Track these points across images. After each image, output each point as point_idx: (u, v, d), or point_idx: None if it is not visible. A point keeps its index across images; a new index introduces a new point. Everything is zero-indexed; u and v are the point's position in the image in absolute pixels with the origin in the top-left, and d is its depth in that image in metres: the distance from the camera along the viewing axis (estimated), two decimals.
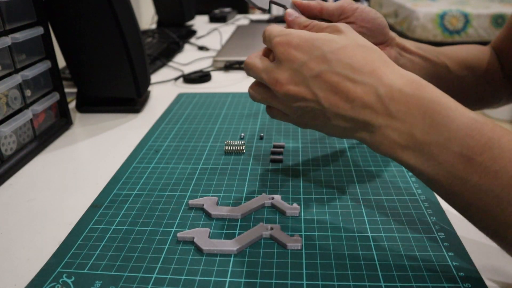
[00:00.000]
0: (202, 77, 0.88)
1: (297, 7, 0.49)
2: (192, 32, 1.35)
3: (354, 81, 0.34)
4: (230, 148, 0.57)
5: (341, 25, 0.38)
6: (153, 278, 0.36)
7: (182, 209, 0.45)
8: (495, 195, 0.31)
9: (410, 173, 0.50)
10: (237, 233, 0.41)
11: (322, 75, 0.35)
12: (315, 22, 0.41)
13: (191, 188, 0.49)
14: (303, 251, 0.38)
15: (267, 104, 0.41)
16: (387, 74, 0.34)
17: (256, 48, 1.06)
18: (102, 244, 0.40)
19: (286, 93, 0.36)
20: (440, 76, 0.62)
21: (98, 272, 0.36)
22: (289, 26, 0.43)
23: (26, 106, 0.58)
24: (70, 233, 0.42)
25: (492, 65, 0.66)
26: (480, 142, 0.31)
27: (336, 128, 0.37)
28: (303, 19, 0.42)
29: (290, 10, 0.44)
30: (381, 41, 0.53)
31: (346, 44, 0.36)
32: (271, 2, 0.45)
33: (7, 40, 0.53)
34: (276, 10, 3.36)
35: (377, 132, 0.34)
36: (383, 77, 0.34)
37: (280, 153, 0.56)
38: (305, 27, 0.41)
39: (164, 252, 0.39)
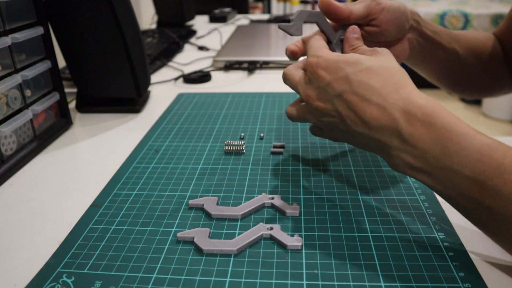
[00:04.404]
0: (202, 77, 0.88)
1: (328, 8, 0.46)
2: (192, 32, 1.35)
3: (370, 102, 0.36)
4: (230, 148, 0.57)
5: (381, 49, 0.41)
6: (153, 278, 0.36)
7: (182, 209, 0.45)
8: (507, 218, 0.32)
9: None
10: (237, 233, 0.41)
11: (343, 94, 0.38)
12: (362, 46, 0.44)
13: (191, 188, 0.49)
14: (303, 251, 0.38)
15: (303, 120, 0.45)
16: (403, 98, 0.36)
17: (256, 48, 1.07)
18: (102, 244, 0.40)
19: (316, 108, 0.40)
20: (450, 63, 0.62)
21: (98, 272, 0.36)
22: (345, 41, 0.46)
23: (26, 106, 0.58)
24: (70, 233, 0.42)
25: (496, 53, 0.66)
26: (491, 167, 0.32)
27: (361, 144, 0.40)
28: (354, 42, 0.44)
29: (354, 28, 0.46)
30: (399, 37, 0.53)
31: (370, 65, 0.38)
32: (305, 23, 0.46)
33: (7, 40, 0.53)
34: (276, 10, 3.36)
35: (393, 153, 0.36)
36: (398, 101, 0.36)
37: (280, 153, 0.56)
38: (353, 49, 0.44)
39: (164, 252, 0.39)
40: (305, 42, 0.47)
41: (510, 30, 0.65)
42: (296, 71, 0.44)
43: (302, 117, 0.44)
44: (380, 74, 0.37)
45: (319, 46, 0.42)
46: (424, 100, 0.35)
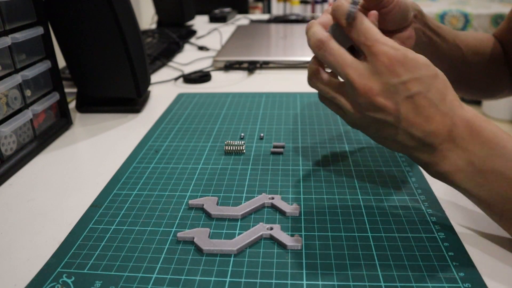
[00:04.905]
0: (202, 77, 0.88)
1: None
2: (192, 32, 1.35)
3: (437, 108, 0.36)
4: (230, 148, 0.57)
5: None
6: (153, 278, 0.36)
7: (182, 209, 0.45)
8: None
9: (411, 173, 0.50)
10: (237, 233, 0.41)
11: (415, 97, 0.36)
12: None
13: (191, 188, 0.49)
14: (303, 251, 0.38)
15: (329, 97, 0.39)
16: (458, 106, 0.37)
17: (256, 48, 1.06)
18: (102, 244, 0.40)
19: (372, 103, 0.36)
20: (454, 59, 0.62)
21: (98, 272, 0.36)
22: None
23: (26, 106, 0.58)
24: (70, 233, 0.42)
25: (497, 54, 0.66)
26: None
27: (396, 143, 0.38)
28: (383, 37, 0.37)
29: (376, 14, 0.40)
30: (404, 27, 0.52)
31: (437, 72, 0.37)
32: None
33: (7, 40, 0.53)
34: (276, 10, 3.36)
35: (438, 154, 0.37)
36: (457, 108, 0.37)
37: (280, 153, 0.56)
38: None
39: (164, 252, 0.39)
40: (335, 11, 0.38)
41: (510, 31, 0.65)
42: (341, 49, 0.37)
43: (332, 98, 0.39)
44: (443, 81, 0.37)
45: (380, 34, 0.36)
46: (471, 109, 0.37)
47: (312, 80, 0.40)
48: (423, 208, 0.44)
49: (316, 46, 0.37)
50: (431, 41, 0.56)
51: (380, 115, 0.36)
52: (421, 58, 0.36)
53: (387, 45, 0.35)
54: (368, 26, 0.36)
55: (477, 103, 2.89)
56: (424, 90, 0.36)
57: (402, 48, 0.36)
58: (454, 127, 0.36)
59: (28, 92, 0.58)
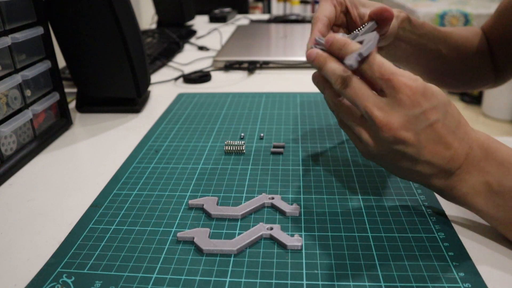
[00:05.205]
0: (202, 77, 0.88)
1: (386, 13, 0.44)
2: (192, 32, 1.35)
3: (454, 134, 0.36)
4: (230, 148, 0.57)
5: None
6: (153, 278, 0.36)
7: (182, 209, 0.45)
8: None
9: None
10: (237, 233, 0.41)
11: (434, 125, 0.36)
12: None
13: (191, 188, 0.49)
14: (303, 251, 0.38)
15: (349, 125, 0.39)
16: (471, 129, 0.38)
17: (256, 48, 1.06)
18: (102, 244, 0.40)
19: (393, 136, 0.35)
20: (432, 61, 0.63)
21: (98, 272, 0.36)
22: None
23: (26, 106, 0.58)
24: (70, 233, 0.42)
25: (482, 48, 0.67)
26: None
27: (413, 172, 0.38)
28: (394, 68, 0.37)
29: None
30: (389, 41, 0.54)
31: (449, 98, 0.37)
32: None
33: (7, 40, 0.53)
34: (276, 10, 3.35)
35: (455, 178, 0.37)
36: (471, 132, 0.38)
37: (280, 153, 0.56)
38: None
39: (164, 252, 0.39)
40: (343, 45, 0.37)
41: (497, 25, 0.66)
42: (361, 82, 0.37)
43: (352, 126, 0.39)
44: (455, 107, 0.38)
45: (393, 65, 0.36)
46: (483, 133, 0.39)
47: (336, 106, 0.40)
48: (423, 208, 0.44)
49: (338, 83, 0.37)
50: (408, 52, 0.58)
51: (401, 147, 0.36)
52: (435, 87, 0.37)
53: (405, 77, 0.35)
54: (381, 61, 0.36)
55: (477, 102, 2.89)
56: (441, 118, 0.36)
57: (418, 78, 0.36)
58: (470, 150, 0.37)
59: (28, 92, 0.58)
